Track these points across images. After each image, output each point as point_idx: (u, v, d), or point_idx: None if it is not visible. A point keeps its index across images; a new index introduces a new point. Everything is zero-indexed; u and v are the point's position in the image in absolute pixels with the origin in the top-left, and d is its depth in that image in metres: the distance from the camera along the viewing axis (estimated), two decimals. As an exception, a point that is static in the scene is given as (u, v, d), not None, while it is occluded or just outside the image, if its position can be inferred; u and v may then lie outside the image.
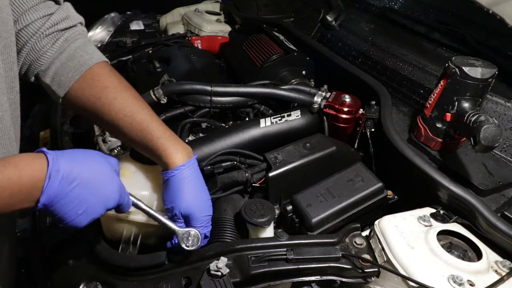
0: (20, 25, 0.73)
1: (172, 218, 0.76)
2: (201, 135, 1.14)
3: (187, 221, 0.76)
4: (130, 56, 1.60)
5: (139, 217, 0.81)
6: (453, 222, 0.80)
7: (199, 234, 0.72)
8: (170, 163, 0.76)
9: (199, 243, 0.72)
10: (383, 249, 0.74)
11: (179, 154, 0.76)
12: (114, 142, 1.11)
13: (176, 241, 0.73)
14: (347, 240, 0.79)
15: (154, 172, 0.85)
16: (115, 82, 0.80)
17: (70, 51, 0.79)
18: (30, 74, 0.79)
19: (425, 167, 0.82)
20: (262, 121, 1.03)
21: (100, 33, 1.84)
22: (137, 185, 0.82)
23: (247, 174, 0.92)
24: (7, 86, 0.67)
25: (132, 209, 0.79)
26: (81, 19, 0.83)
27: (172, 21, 2.04)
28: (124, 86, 0.81)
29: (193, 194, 0.76)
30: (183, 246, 0.71)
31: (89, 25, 1.71)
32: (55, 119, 1.25)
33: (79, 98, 0.79)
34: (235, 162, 0.96)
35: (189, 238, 0.72)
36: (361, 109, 1.05)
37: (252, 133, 1.02)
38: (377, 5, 1.54)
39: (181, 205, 0.74)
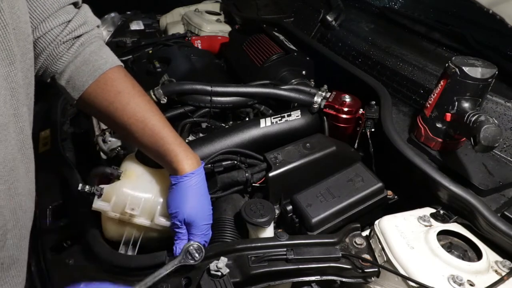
0: (39, 32, 0.73)
1: (174, 224, 0.76)
2: (201, 135, 1.14)
3: (188, 228, 0.76)
4: (130, 56, 1.60)
5: (143, 220, 0.81)
6: (453, 222, 0.80)
7: (202, 247, 0.72)
8: (180, 169, 0.77)
9: (202, 254, 0.72)
10: (383, 249, 0.74)
11: (189, 161, 0.78)
12: (114, 142, 1.11)
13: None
14: (347, 240, 0.79)
15: (159, 176, 0.85)
16: (129, 87, 0.81)
17: (85, 55, 0.79)
18: (46, 76, 0.80)
19: (425, 167, 0.82)
20: (262, 121, 1.03)
21: (100, 33, 1.84)
22: (141, 188, 0.82)
23: (247, 174, 0.92)
24: (25, 95, 0.67)
25: (136, 212, 0.80)
26: (98, 22, 0.83)
27: (172, 21, 2.04)
28: (137, 91, 0.81)
29: (199, 202, 0.77)
30: (189, 262, 0.71)
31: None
32: (55, 119, 1.25)
33: (93, 102, 0.80)
34: (236, 162, 0.96)
35: (193, 253, 0.71)
36: (361, 109, 1.05)
37: (252, 133, 1.02)
38: (377, 5, 1.54)
39: (186, 211, 0.75)
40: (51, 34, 0.75)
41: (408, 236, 0.74)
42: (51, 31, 0.75)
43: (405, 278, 0.68)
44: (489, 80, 0.84)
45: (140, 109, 0.79)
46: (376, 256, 0.76)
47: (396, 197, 0.95)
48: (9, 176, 0.61)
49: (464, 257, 0.72)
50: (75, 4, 0.80)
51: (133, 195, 0.80)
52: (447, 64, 0.87)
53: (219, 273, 0.68)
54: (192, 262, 0.71)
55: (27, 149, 0.67)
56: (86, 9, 0.81)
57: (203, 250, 0.72)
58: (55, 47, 0.76)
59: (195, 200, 0.76)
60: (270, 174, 0.90)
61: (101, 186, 0.80)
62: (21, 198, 0.65)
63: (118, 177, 0.83)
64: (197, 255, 0.71)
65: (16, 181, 0.63)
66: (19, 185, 0.64)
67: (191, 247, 0.71)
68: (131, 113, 0.79)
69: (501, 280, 0.67)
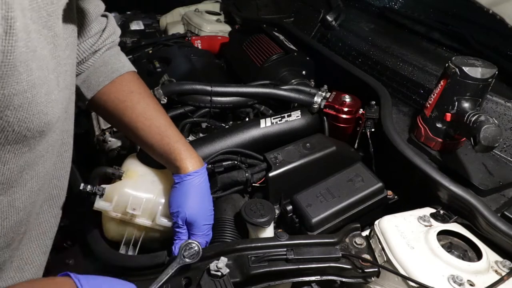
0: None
1: (175, 224, 0.76)
2: (201, 135, 1.14)
3: (189, 228, 0.77)
4: (130, 56, 1.60)
5: (144, 220, 0.81)
6: (453, 222, 0.80)
7: (199, 248, 0.71)
8: (183, 168, 0.77)
9: (199, 255, 0.70)
10: (383, 249, 0.74)
11: (193, 160, 0.79)
12: (114, 142, 1.11)
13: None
14: (347, 240, 0.79)
15: (161, 176, 0.85)
16: (141, 88, 0.84)
17: (104, 57, 0.82)
18: None
19: (425, 167, 0.82)
20: (262, 121, 1.03)
21: (100, 33, 1.84)
22: (143, 188, 0.82)
23: (247, 174, 0.92)
24: (74, 110, 0.69)
25: (137, 212, 0.79)
26: (120, 31, 0.87)
27: (172, 21, 2.04)
28: (147, 93, 0.85)
29: (200, 202, 0.77)
30: (186, 261, 0.70)
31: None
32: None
33: (105, 101, 0.82)
34: (236, 162, 0.96)
35: (189, 251, 0.70)
36: (361, 109, 1.05)
37: (252, 133, 1.02)
38: (377, 5, 1.54)
39: (187, 211, 0.75)
40: (87, 44, 0.78)
41: (408, 236, 0.74)
42: (87, 40, 0.78)
43: (405, 278, 0.68)
44: (489, 80, 0.84)
45: (149, 108, 0.81)
46: (376, 256, 0.76)
47: (396, 197, 0.95)
48: (43, 187, 0.62)
49: (464, 257, 0.72)
50: (103, 14, 0.83)
51: (135, 195, 0.80)
52: (447, 64, 0.87)
53: (219, 273, 0.68)
54: (189, 261, 0.70)
55: (58, 156, 0.67)
56: (112, 18, 0.84)
57: (200, 248, 0.71)
58: (88, 55, 0.79)
59: (197, 199, 0.76)
60: (270, 174, 0.90)
61: (103, 186, 0.80)
62: (40, 203, 0.66)
63: (119, 177, 0.83)
64: (194, 254, 0.70)
65: (44, 190, 0.64)
66: (43, 192, 0.65)
67: (188, 246, 0.71)
68: (140, 111, 0.80)
69: (501, 280, 0.67)
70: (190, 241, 0.72)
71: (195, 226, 0.75)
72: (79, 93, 0.82)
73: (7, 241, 0.58)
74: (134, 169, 0.85)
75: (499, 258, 0.74)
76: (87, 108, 0.87)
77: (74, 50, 0.61)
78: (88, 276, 0.57)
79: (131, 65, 0.87)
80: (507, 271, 0.70)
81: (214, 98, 1.11)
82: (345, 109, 1.03)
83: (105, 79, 0.80)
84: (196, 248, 0.71)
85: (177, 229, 0.77)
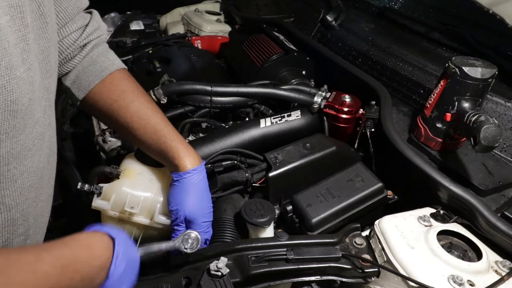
0: (59, 36, 0.75)
1: (174, 221, 0.76)
2: (201, 135, 1.14)
3: (189, 226, 0.76)
4: (130, 56, 1.60)
5: (142, 219, 0.81)
6: (453, 222, 0.80)
7: (198, 236, 0.71)
8: (181, 166, 0.77)
9: (198, 245, 0.71)
10: (383, 249, 0.74)
11: (191, 158, 0.78)
12: (114, 142, 1.11)
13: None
14: (347, 240, 0.79)
15: (158, 175, 0.85)
16: (134, 87, 0.83)
17: (92, 56, 0.81)
18: None
19: (425, 167, 0.82)
20: (262, 121, 1.03)
21: (100, 33, 1.84)
22: (141, 186, 0.82)
23: (247, 174, 0.92)
24: (55, 103, 0.68)
25: (135, 210, 0.79)
26: (106, 27, 0.86)
27: (172, 21, 2.04)
28: (140, 92, 0.83)
29: (199, 200, 0.77)
30: (183, 249, 0.70)
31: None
32: (55, 119, 1.25)
33: (97, 101, 0.81)
34: (236, 162, 0.96)
35: (189, 241, 0.70)
36: (361, 109, 1.05)
37: (252, 133, 1.02)
38: (377, 5, 1.54)
39: (186, 209, 0.75)
40: (70, 39, 0.77)
41: (408, 236, 0.74)
42: (70, 35, 0.76)
43: (405, 278, 0.68)
44: (489, 80, 0.84)
45: (143, 108, 0.80)
46: (376, 256, 0.76)
47: (396, 197, 0.95)
48: (38, 184, 0.62)
49: (464, 257, 0.72)
50: (87, 9, 0.82)
51: (133, 193, 0.81)
52: (447, 64, 0.87)
53: (219, 273, 0.68)
54: (187, 250, 0.69)
55: (53, 156, 0.67)
56: (97, 14, 0.83)
57: (200, 240, 0.71)
58: (72, 51, 0.77)
59: (196, 197, 0.76)
60: (270, 174, 0.90)
61: (101, 184, 0.80)
62: (42, 205, 0.66)
63: (117, 176, 0.83)
64: (193, 244, 0.70)
65: (40, 188, 0.63)
66: (42, 192, 0.64)
67: (189, 235, 0.70)
68: (134, 111, 0.80)
69: (501, 280, 0.67)
70: (190, 231, 0.71)
71: (195, 224, 0.75)
72: (70, 95, 0.81)
73: (1, 241, 0.58)
74: (132, 167, 0.85)
75: (499, 258, 0.74)
76: (80, 109, 0.86)
77: (43, 36, 0.58)
78: (130, 244, 0.59)
79: (121, 63, 0.85)
80: (507, 271, 0.70)
81: (214, 98, 1.11)
82: (345, 109, 1.03)
83: (95, 78, 0.79)
84: (195, 239, 0.70)
85: (176, 227, 0.77)
